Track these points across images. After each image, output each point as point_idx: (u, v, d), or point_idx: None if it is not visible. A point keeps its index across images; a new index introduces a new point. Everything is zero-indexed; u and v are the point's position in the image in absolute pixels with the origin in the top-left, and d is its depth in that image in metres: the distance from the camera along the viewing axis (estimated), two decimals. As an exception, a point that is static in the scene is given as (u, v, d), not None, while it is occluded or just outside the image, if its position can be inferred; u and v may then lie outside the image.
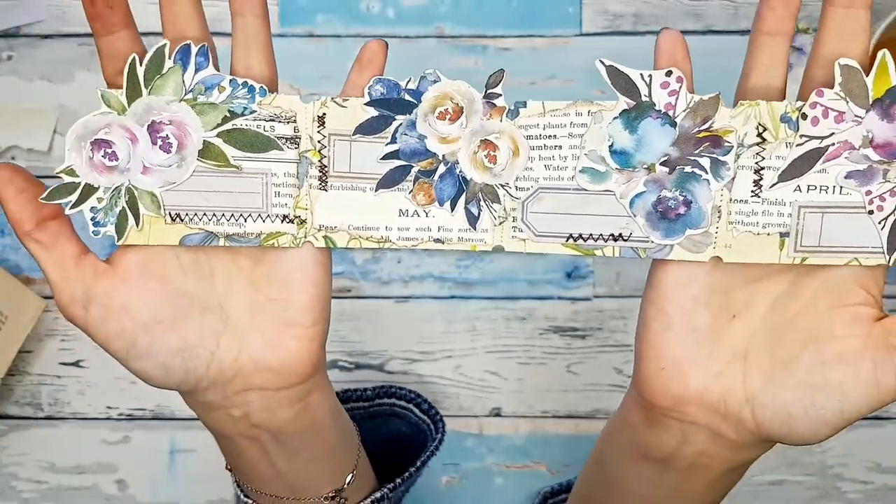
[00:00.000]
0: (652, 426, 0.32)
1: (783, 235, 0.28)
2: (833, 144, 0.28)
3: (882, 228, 0.28)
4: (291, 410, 0.33)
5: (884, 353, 0.28)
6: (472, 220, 0.30)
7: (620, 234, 0.29)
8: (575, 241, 0.29)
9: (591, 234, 0.29)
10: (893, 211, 0.28)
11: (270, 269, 0.31)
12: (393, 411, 0.49)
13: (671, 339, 0.30)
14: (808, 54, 0.29)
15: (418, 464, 0.42)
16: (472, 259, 0.58)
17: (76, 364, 0.58)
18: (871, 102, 0.27)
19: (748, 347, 0.30)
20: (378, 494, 0.39)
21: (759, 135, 0.28)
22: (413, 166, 0.29)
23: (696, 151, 0.28)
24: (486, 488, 0.58)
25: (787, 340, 0.29)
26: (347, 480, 0.37)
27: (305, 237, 0.30)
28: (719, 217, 0.28)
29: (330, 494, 0.36)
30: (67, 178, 0.29)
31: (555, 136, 0.29)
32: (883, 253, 0.28)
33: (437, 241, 0.30)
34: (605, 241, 0.29)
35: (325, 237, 0.30)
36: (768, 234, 0.28)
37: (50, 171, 0.58)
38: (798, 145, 0.28)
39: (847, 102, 0.27)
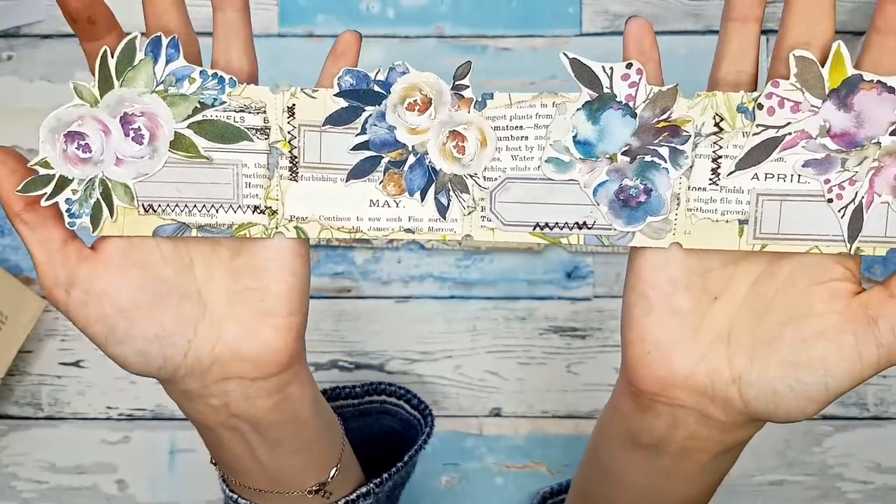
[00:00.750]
0: (642, 412, 0.32)
1: (742, 223, 0.29)
2: (790, 134, 0.28)
3: (842, 217, 0.29)
4: (270, 401, 0.33)
5: (864, 327, 0.28)
6: (442, 209, 0.30)
7: (585, 223, 0.30)
8: (542, 229, 0.30)
9: (556, 223, 0.30)
10: (853, 199, 0.29)
11: (249, 259, 0.31)
12: (384, 408, 0.49)
13: (653, 323, 0.30)
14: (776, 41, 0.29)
15: (406, 458, 0.42)
16: (472, 259, 0.58)
17: (76, 364, 0.58)
18: (827, 93, 0.28)
19: (731, 328, 0.30)
20: (364, 489, 0.39)
21: (717, 124, 0.29)
22: (383, 157, 0.30)
23: (656, 141, 0.29)
24: (486, 488, 0.58)
25: (769, 319, 0.30)
26: (331, 474, 0.37)
27: (277, 227, 0.30)
28: (678, 204, 0.29)
29: (314, 488, 0.36)
30: (42, 171, 0.29)
31: (521, 126, 0.29)
32: (844, 241, 0.29)
33: (408, 230, 0.30)
34: (571, 230, 0.30)
35: (296, 227, 0.30)
36: (727, 221, 0.29)
37: (50, 171, 0.58)
38: (754, 134, 0.28)
39: (803, 93, 0.28)
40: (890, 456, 0.57)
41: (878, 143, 0.28)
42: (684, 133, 0.29)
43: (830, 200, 0.29)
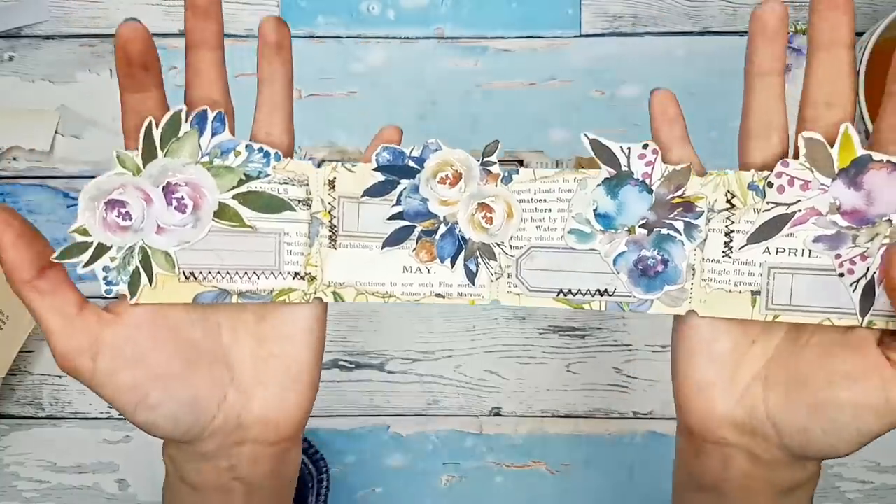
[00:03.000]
0: (697, 454, 0.33)
1: (755, 293, 0.31)
2: (800, 210, 0.30)
3: (854, 291, 0.30)
4: (272, 465, 0.33)
5: (889, 371, 0.30)
6: (471, 276, 0.32)
7: (606, 290, 0.31)
8: (565, 295, 0.32)
9: (579, 290, 0.32)
10: (864, 274, 0.30)
11: (274, 326, 0.32)
12: None
13: (696, 367, 0.32)
14: (801, 90, 0.30)
15: None
16: (471, 259, 0.58)
17: (77, 364, 0.58)
18: (836, 171, 0.29)
19: (767, 369, 0.32)
20: None
21: (728, 201, 0.30)
22: (416, 226, 0.32)
23: (671, 215, 0.31)
24: (486, 487, 0.58)
25: (802, 361, 0.31)
26: None
27: (315, 293, 0.32)
28: (693, 275, 0.31)
29: None
30: (80, 238, 0.29)
31: (545, 199, 0.31)
32: (856, 315, 0.30)
33: (439, 295, 0.32)
34: (592, 296, 0.31)
35: (333, 293, 0.32)
36: (740, 292, 0.31)
37: (51, 172, 0.58)
38: (765, 211, 0.30)
39: (812, 172, 0.29)
40: (889, 455, 0.58)
41: (890, 221, 0.29)
42: (698, 208, 0.30)
43: (842, 275, 0.30)
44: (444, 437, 0.58)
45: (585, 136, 0.31)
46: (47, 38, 0.59)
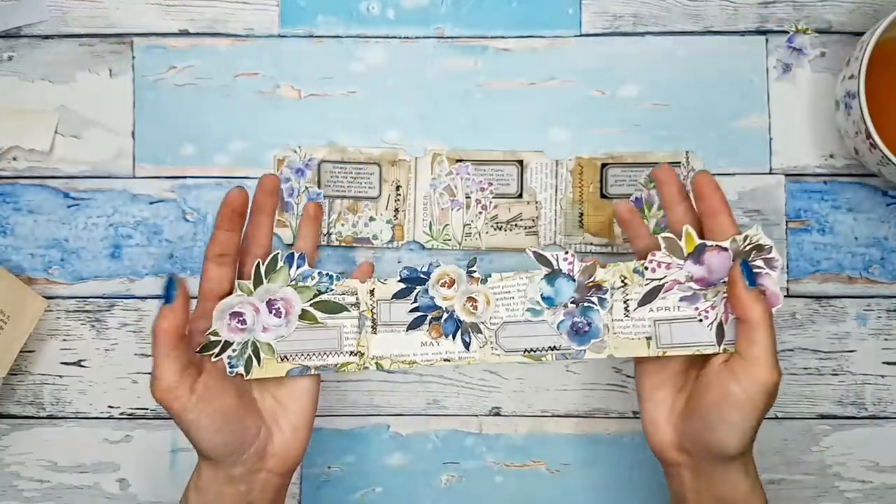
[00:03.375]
0: (667, 476, 0.49)
1: (648, 339, 0.46)
2: (667, 282, 0.46)
3: (710, 329, 0.46)
4: (274, 494, 0.48)
5: (726, 373, 0.44)
6: (466, 345, 0.47)
7: (554, 346, 0.47)
8: (529, 353, 0.47)
9: (537, 348, 0.47)
10: (715, 318, 0.46)
11: (288, 391, 0.48)
12: None
13: (650, 409, 0.49)
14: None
15: None
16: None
17: (78, 364, 0.58)
18: (685, 256, 0.46)
19: (686, 404, 0.47)
20: None
21: (623, 281, 0.46)
22: (428, 315, 0.47)
23: (588, 294, 0.46)
24: (486, 487, 0.58)
25: (693, 390, 0.46)
26: None
27: (364, 364, 0.47)
28: (608, 330, 0.47)
29: None
30: (213, 338, 0.46)
31: (510, 291, 0.47)
32: (714, 345, 0.46)
33: (446, 359, 0.47)
34: (546, 352, 0.47)
35: (375, 363, 0.47)
36: (638, 339, 0.46)
37: (51, 173, 0.58)
38: (646, 285, 0.46)
39: (671, 258, 0.46)
40: (888, 455, 0.58)
41: (724, 282, 0.45)
42: (604, 287, 0.46)
43: (700, 320, 0.46)
44: (444, 436, 0.58)
45: (529, 250, 0.46)
46: (47, 37, 0.59)
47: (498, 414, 0.58)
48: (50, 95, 0.59)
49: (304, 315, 0.47)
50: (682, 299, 0.46)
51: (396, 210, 0.58)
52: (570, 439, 0.58)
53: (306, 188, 0.58)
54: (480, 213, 0.58)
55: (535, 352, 0.47)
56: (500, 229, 0.58)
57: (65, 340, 0.58)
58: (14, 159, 0.58)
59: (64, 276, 0.58)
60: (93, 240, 0.58)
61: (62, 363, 0.58)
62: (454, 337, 0.47)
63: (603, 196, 0.58)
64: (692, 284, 0.45)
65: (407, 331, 0.47)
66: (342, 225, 0.58)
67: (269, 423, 0.47)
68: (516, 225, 0.58)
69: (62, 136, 0.58)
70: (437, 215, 0.58)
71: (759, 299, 0.43)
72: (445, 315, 0.47)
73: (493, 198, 0.58)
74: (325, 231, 0.58)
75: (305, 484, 0.58)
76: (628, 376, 0.58)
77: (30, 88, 0.59)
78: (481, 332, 0.47)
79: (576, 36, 0.59)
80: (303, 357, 0.47)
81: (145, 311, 0.58)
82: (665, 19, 0.58)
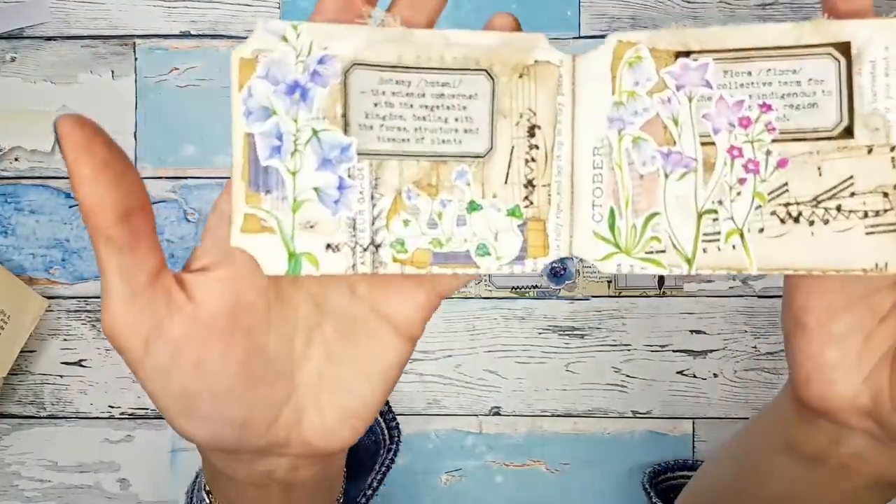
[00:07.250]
0: (805, 424, 0.31)
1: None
2: None
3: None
4: (313, 470, 0.30)
5: None
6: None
7: (536, 286, 0.54)
8: (514, 290, 0.54)
9: (522, 286, 0.54)
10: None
11: (357, 352, 0.27)
12: None
13: (814, 349, 0.29)
14: None
15: (374, 484, 0.40)
16: (471, 259, 0.58)
17: (78, 363, 0.59)
18: None
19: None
20: None
21: None
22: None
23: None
24: (486, 486, 0.58)
25: None
26: None
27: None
28: (580, 274, 0.53)
29: None
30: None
31: None
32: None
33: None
34: (530, 289, 0.54)
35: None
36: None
37: (53, 173, 0.59)
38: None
39: None
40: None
41: None
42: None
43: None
44: (444, 436, 0.58)
45: None
46: (49, 39, 0.59)
47: (498, 413, 0.59)
48: (52, 96, 0.59)
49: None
50: None
51: (529, 183, 0.26)
52: (569, 439, 0.58)
53: (313, 132, 0.24)
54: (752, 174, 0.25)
55: (519, 289, 0.54)
56: (797, 221, 0.25)
57: (65, 340, 0.59)
58: (16, 160, 0.59)
59: (65, 276, 0.59)
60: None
61: (63, 363, 0.59)
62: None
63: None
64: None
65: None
66: (406, 225, 0.25)
67: (301, 398, 0.27)
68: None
69: (64, 137, 0.59)
70: (630, 191, 0.25)
71: None
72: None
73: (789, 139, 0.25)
74: (364, 240, 0.25)
75: (306, 483, 0.58)
76: (628, 376, 0.58)
77: (32, 89, 0.59)
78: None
79: (575, 38, 0.59)
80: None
81: (146, 311, 0.59)
82: (663, 21, 0.59)
